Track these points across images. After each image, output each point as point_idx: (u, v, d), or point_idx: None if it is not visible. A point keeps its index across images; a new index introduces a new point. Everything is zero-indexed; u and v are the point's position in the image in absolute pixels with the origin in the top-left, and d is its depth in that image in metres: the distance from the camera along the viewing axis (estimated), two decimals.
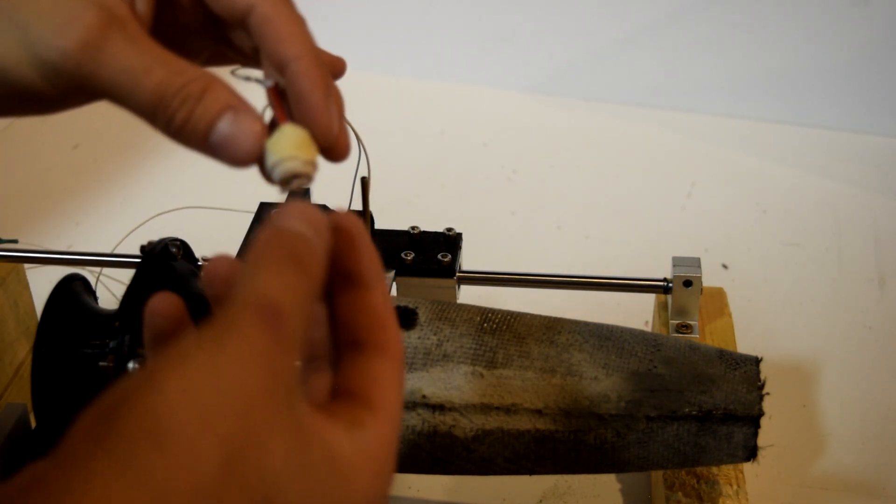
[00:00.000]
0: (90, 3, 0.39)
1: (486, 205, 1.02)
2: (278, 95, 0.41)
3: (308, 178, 0.39)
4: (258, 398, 0.30)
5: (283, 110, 0.40)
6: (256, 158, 0.39)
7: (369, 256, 0.37)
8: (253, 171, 0.42)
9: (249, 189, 0.71)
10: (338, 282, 0.37)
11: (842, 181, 1.06)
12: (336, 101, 0.41)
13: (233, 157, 0.39)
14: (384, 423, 0.35)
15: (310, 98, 0.40)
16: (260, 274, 0.32)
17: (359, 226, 0.37)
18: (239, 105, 0.39)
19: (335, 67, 0.47)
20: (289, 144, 0.39)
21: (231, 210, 0.76)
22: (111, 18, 0.39)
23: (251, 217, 0.72)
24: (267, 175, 0.39)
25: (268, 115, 0.41)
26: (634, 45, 1.17)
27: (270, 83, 0.41)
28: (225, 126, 0.38)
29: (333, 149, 0.41)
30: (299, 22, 0.41)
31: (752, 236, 0.98)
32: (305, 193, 0.73)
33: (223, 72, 0.45)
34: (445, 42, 1.20)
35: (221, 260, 0.37)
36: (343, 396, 0.35)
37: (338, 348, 0.37)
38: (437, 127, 1.14)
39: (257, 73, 0.42)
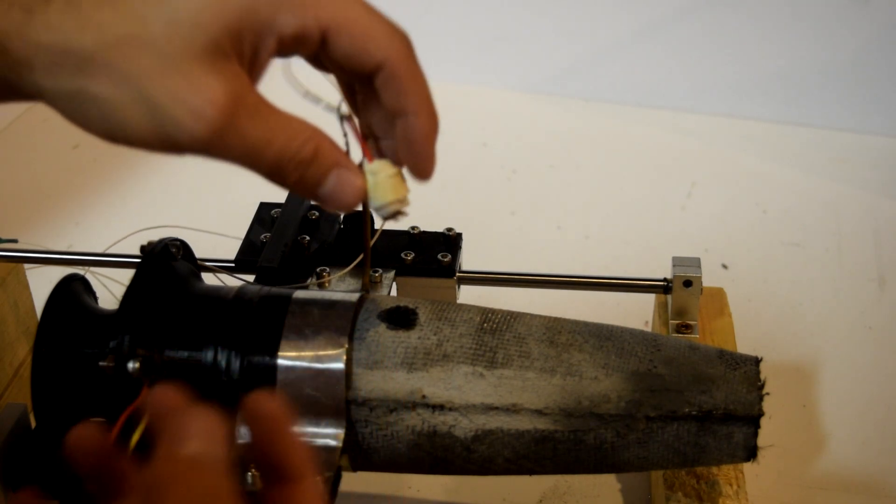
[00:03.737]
0: (221, 79, 0.40)
1: (486, 205, 1.02)
2: (359, 131, 0.47)
3: (406, 210, 0.48)
4: None
5: (368, 147, 0.47)
6: (357, 206, 0.45)
7: (294, 447, 0.37)
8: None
9: (250, 187, 0.71)
10: (266, 472, 0.37)
11: (842, 181, 1.06)
12: None
13: (338, 207, 0.45)
14: None
15: (423, 149, 0.46)
16: None
17: (279, 414, 0.37)
18: (343, 162, 0.44)
19: None
20: (390, 188, 0.46)
21: (223, 235, 0.76)
22: (238, 95, 0.41)
23: (248, 221, 0.72)
24: (372, 209, 0.47)
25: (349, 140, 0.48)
26: (634, 45, 1.17)
27: (348, 114, 0.47)
28: (332, 183, 0.44)
29: (419, 178, 0.48)
30: (423, 80, 0.46)
31: (752, 236, 0.98)
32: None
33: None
34: (445, 42, 1.20)
35: (85, 429, 0.37)
36: None
37: None
38: None
39: (327, 100, 0.48)
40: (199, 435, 0.34)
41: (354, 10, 0.43)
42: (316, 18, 0.43)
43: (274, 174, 0.43)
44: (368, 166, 0.46)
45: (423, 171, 0.46)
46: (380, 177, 0.46)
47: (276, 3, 0.42)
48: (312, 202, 0.73)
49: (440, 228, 0.72)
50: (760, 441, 0.55)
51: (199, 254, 0.65)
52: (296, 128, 0.43)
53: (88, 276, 0.65)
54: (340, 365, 0.53)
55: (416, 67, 0.46)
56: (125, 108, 0.40)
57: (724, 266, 0.94)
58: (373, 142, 0.48)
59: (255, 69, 0.43)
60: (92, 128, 0.41)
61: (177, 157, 0.42)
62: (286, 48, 0.44)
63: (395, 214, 0.47)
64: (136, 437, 0.53)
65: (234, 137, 0.41)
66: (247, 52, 0.42)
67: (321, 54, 0.45)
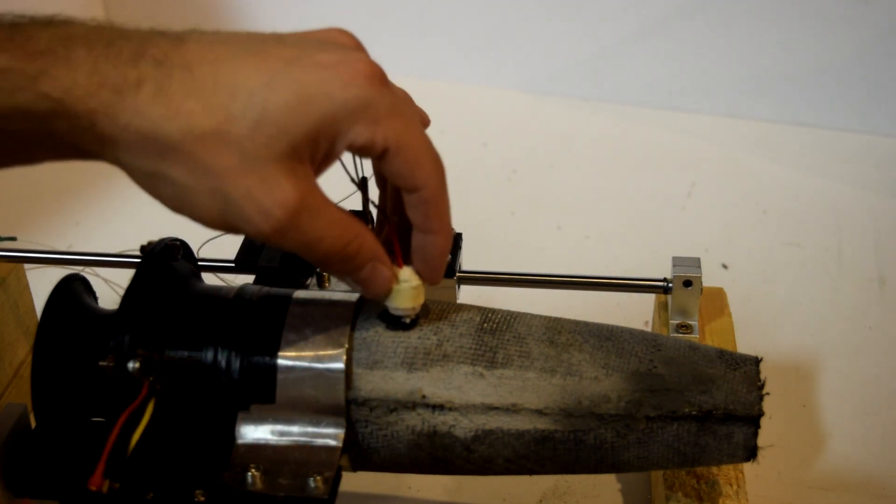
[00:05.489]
0: (292, 182, 0.44)
1: (486, 205, 1.02)
2: (398, 234, 0.53)
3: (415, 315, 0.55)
4: None
5: (401, 251, 0.53)
6: (385, 295, 0.52)
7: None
8: None
9: None
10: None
11: (842, 181, 1.06)
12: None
13: (368, 294, 0.52)
14: None
15: (437, 264, 0.52)
16: None
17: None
18: (379, 256, 0.50)
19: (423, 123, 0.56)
20: (410, 297, 0.53)
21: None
22: (304, 197, 0.45)
23: None
24: (388, 307, 0.54)
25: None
26: (635, 44, 1.17)
27: (394, 220, 0.54)
28: (366, 273, 0.50)
29: (429, 283, 0.54)
30: (448, 205, 0.51)
31: (752, 236, 0.98)
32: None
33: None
34: (445, 42, 1.20)
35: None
36: None
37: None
38: (437, 127, 1.14)
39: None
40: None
41: (413, 136, 0.48)
42: (384, 136, 0.47)
43: (320, 264, 0.49)
44: (398, 272, 0.52)
45: (433, 279, 0.53)
46: (403, 286, 0.52)
47: (354, 117, 0.46)
48: None
49: None
50: (760, 441, 0.55)
51: (198, 253, 0.65)
52: (345, 226, 0.48)
53: (88, 276, 0.65)
54: (340, 365, 0.53)
55: (446, 195, 0.50)
56: (199, 195, 0.44)
57: (724, 266, 0.94)
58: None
59: (321, 168, 0.47)
60: (162, 200, 0.45)
61: None
62: (349, 151, 0.49)
63: (405, 318, 0.54)
64: (136, 437, 0.53)
65: (294, 234, 0.45)
66: (319, 155, 0.46)
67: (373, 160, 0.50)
